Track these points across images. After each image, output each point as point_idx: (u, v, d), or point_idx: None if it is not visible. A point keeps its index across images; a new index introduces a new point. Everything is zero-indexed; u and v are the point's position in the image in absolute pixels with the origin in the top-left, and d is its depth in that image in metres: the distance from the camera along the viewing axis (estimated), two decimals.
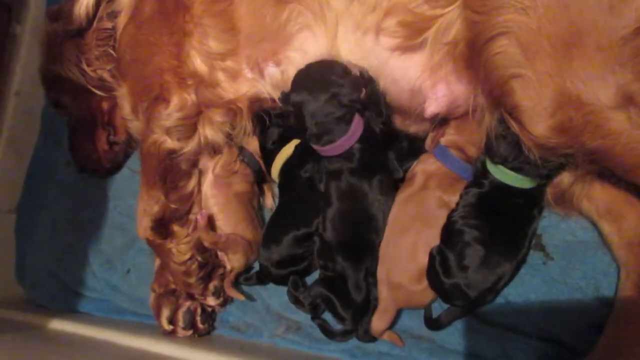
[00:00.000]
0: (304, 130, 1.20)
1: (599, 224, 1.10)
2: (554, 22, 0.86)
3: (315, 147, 1.21)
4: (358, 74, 1.17)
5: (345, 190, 1.19)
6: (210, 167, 1.40)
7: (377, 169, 1.20)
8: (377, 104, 1.17)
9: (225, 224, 1.37)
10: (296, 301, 1.27)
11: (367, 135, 1.18)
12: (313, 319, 1.27)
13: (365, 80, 1.17)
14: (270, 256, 1.29)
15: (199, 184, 1.42)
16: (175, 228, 1.37)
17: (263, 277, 1.37)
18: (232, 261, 1.38)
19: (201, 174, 1.41)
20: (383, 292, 1.17)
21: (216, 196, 1.37)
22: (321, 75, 1.17)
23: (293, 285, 1.28)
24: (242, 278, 1.41)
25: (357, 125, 1.17)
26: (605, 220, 1.09)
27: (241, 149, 1.43)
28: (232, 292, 1.38)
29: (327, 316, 1.28)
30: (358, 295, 1.17)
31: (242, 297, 1.38)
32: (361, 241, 1.19)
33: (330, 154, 1.20)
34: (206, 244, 1.36)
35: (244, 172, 1.41)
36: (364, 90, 1.18)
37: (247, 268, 1.42)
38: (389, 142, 1.24)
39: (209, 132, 1.31)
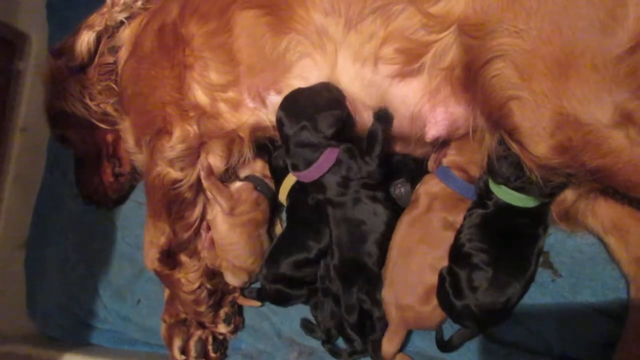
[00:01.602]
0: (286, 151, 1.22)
1: (606, 240, 1.11)
2: (548, 44, 0.88)
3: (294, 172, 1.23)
4: (372, 112, 1.17)
5: (332, 217, 1.21)
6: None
7: (357, 196, 1.19)
8: (371, 143, 1.17)
9: (238, 255, 1.37)
10: (308, 327, 1.30)
11: (343, 168, 1.18)
12: (324, 344, 1.28)
13: (377, 118, 1.17)
14: (267, 275, 1.31)
15: (204, 212, 1.43)
16: (183, 258, 1.38)
17: (262, 295, 1.39)
18: (230, 281, 1.41)
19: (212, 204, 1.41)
20: (392, 313, 1.17)
21: (231, 226, 1.37)
22: (304, 103, 1.18)
23: (314, 307, 1.32)
24: (246, 291, 1.43)
25: (325, 159, 1.17)
26: (611, 236, 1.09)
27: (250, 177, 1.43)
28: (245, 302, 1.42)
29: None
30: (351, 316, 1.19)
31: (257, 304, 1.41)
32: (352, 263, 1.20)
33: (302, 180, 1.22)
34: (209, 264, 1.38)
35: (258, 200, 1.41)
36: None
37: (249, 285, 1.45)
38: (385, 177, 1.24)
39: (212, 162, 1.32)
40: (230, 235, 1.37)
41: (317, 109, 1.16)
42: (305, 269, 1.29)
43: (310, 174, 1.19)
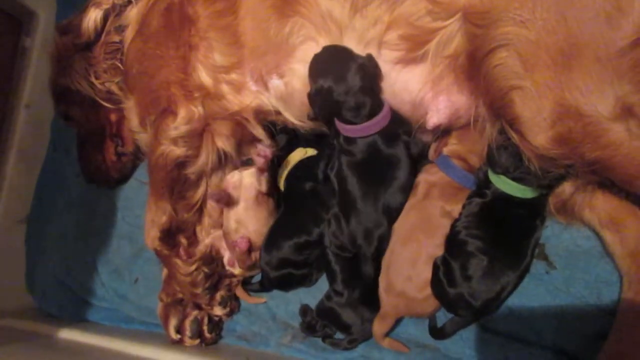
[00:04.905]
0: (338, 112, 1.17)
1: (601, 234, 1.11)
2: (552, 35, 0.87)
3: (350, 127, 1.18)
4: None
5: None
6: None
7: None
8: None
9: (254, 222, 1.37)
10: (309, 328, 1.30)
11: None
12: (324, 339, 1.29)
13: None
14: (270, 260, 1.31)
15: (206, 194, 1.43)
16: (183, 241, 1.39)
17: (264, 284, 1.39)
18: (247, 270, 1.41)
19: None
20: (384, 298, 1.18)
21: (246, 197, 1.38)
22: (341, 51, 1.15)
23: (302, 312, 1.33)
24: (247, 286, 1.43)
25: (385, 113, 1.17)
26: (607, 230, 1.09)
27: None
28: (242, 294, 1.43)
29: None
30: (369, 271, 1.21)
31: (251, 300, 1.42)
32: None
33: (364, 134, 1.18)
34: (242, 265, 1.38)
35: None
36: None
37: (250, 277, 1.45)
38: None
39: (218, 143, 1.32)
40: (253, 211, 1.37)
41: (354, 58, 1.13)
42: (305, 251, 1.29)
43: (381, 121, 1.17)
